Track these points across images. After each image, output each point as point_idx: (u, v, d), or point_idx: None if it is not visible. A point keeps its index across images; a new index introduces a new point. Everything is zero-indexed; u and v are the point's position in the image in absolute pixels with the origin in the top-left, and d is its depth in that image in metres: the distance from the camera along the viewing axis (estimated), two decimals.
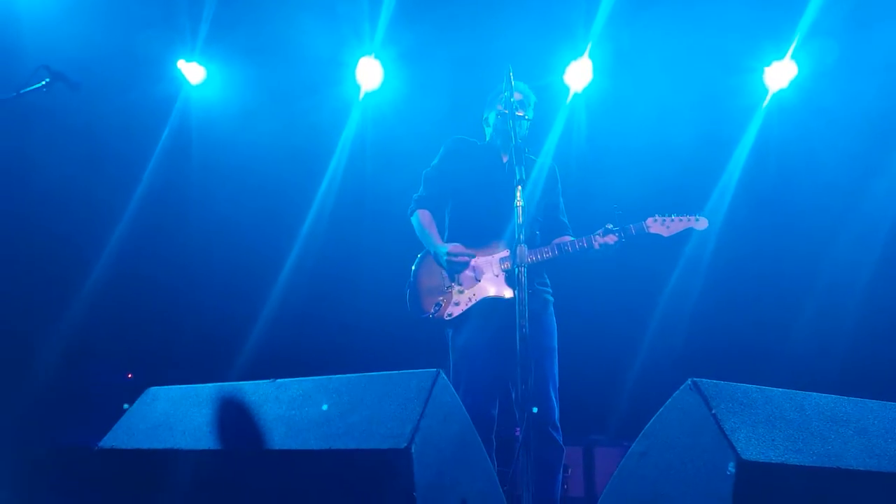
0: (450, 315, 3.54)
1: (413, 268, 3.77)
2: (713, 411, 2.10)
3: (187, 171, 6.76)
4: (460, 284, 3.58)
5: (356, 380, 2.35)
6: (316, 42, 6.41)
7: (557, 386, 3.57)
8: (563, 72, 6.50)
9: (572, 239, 3.63)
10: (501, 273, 3.58)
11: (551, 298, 3.74)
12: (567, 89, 6.61)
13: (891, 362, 5.70)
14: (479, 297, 3.56)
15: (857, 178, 6.28)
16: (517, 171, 3.14)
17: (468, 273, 3.59)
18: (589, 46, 6.35)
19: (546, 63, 6.52)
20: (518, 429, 2.73)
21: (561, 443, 3.48)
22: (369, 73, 6.55)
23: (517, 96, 3.71)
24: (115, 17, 5.86)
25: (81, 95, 5.64)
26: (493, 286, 3.59)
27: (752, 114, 6.58)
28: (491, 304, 3.58)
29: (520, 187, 3.12)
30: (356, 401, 2.27)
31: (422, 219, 3.81)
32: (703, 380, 2.22)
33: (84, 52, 5.73)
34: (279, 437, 2.24)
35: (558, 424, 3.50)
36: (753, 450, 2.03)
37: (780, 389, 2.30)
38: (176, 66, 6.43)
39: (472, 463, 2.40)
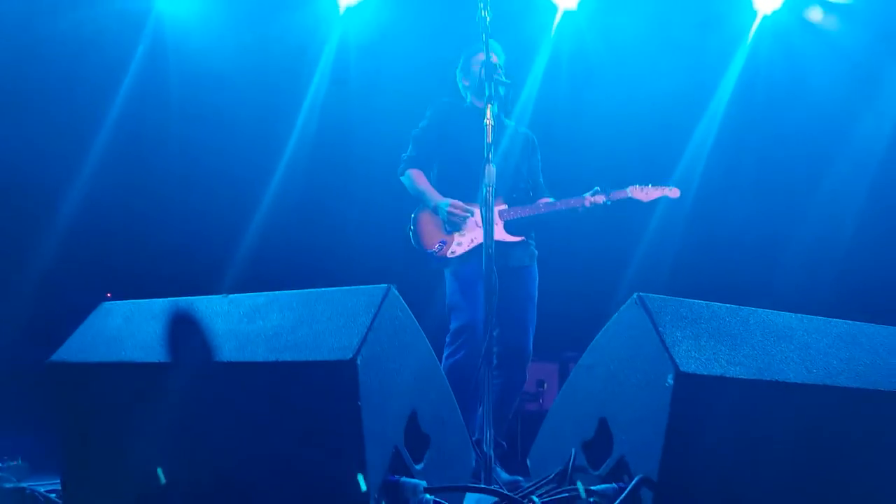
0: (452, 253, 3.82)
1: (413, 215, 3.98)
2: (656, 324, 2.12)
3: (164, 90, 6.57)
4: (461, 231, 3.84)
5: (307, 295, 2.36)
6: None
7: (534, 329, 3.98)
8: None
9: (566, 198, 3.95)
10: (500, 222, 3.86)
11: (536, 252, 4.06)
12: (554, 8, 6.41)
13: (884, 288, 5.71)
14: (479, 241, 3.77)
15: (851, 103, 6.16)
16: (486, 88, 3.26)
17: (469, 220, 3.85)
18: None
19: None
20: None
21: (526, 375, 3.96)
22: None
23: (493, 59, 3.85)
24: None
25: (41, 5, 5.52)
26: (494, 232, 3.73)
27: (743, 33, 6.40)
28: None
29: (489, 106, 3.20)
30: (307, 315, 2.28)
31: (415, 178, 4.02)
32: (649, 294, 2.23)
33: None
34: (228, 351, 2.26)
35: (529, 360, 3.95)
36: (693, 362, 2.05)
37: (727, 305, 2.32)
38: None
39: (423, 375, 2.44)
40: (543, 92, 6.21)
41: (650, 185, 3.89)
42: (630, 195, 3.87)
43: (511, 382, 3.85)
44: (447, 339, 3.74)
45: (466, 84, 4.13)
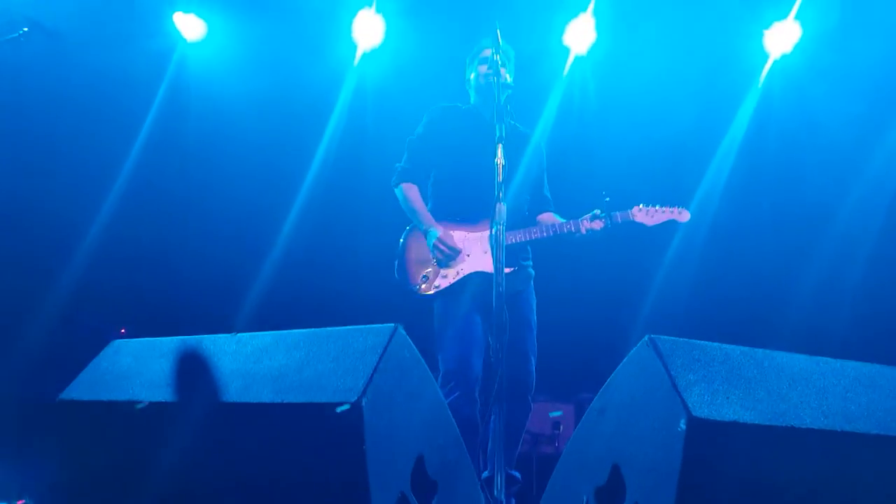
0: (437, 287, 3.59)
1: (402, 239, 3.80)
2: (668, 368, 2.08)
3: (184, 129, 6.67)
4: (448, 265, 3.62)
5: (314, 335, 2.35)
6: None
7: (535, 356, 3.70)
8: (562, 32, 6.34)
9: (561, 221, 3.72)
10: (490, 249, 3.49)
11: (532, 273, 3.82)
12: (566, 51, 6.47)
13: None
14: (466, 272, 3.60)
15: (861, 144, 6.16)
16: (497, 129, 3.16)
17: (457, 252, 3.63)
18: (592, 3, 6.16)
19: (547, 20, 6.36)
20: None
21: (532, 405, 3.65)
22: (369, 28, 6.37)
23: (488, 54, 3.70)
24: None
25: (68, 49, 5.69)
26: (482, 262, 3.61)
27: (755, 75, 6.43)
28: (478, 278, 3.61)
29: (500, 145, 3.14)
30: (313, 355, 2.27)
31: (408, 193, 3.81)
32: (660, 336, 2.20)
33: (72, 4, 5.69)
34: (234, 391, 2.24)
35: (532, 389, 3.66)
36: (706, 407, 2.01)
37: (741, 347, 2.27)
38: (171, 19, 6.28)
39: (430, 418, 2.40)
40: (554, 135, 6.20)
41: (657, 206, 3.65)
42: (633, 218, 3.63)
43: (514, 415, 3.51)
44: (439, 381, 3.46)
45: (470, 85, 3.98)
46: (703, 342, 2.24)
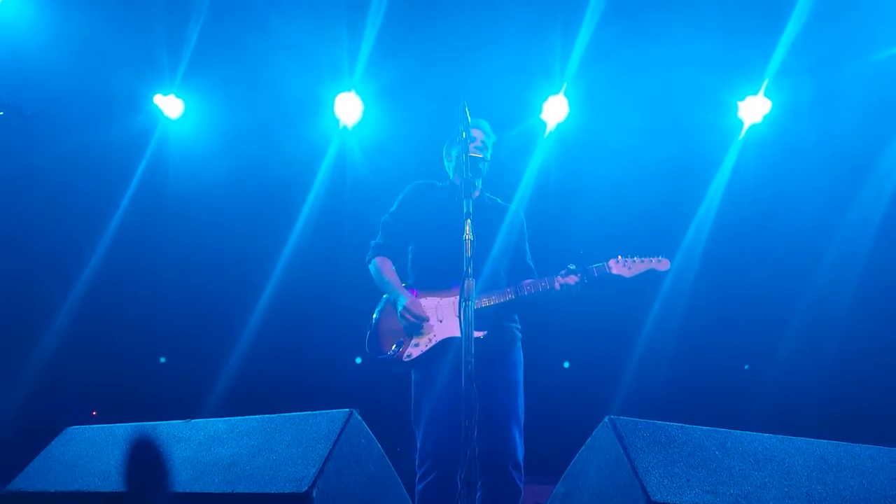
0: (409, 356, 3.43)
1: (375, 313, 3.66)
2: (627, 450, 2.03)
3: (164, 203, 6.71)
4: (419, 333, 3.47)
5: (268, 421, 2.30)
6: (295, 77, 6.39)
7: (522, 422, 3.42)
8: (540, 109, 6.49)
9: (534, 280, 3.59)
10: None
11: (520, 335, 3.65)
12: (544, 125, 6.60)
13: (866, 392, 5.61)
14: (439, 338, 3.46)
15: (829, 211, 6.27)
16: (465, 205, 3.13)
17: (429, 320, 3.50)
18: (565, 85, 6.33)
19: (524, 100, 6.50)
20: None
21: (520, 484, 3.29)
22: (349, 108, 6.52)
23: (477, 134, 3.73)
24: (92, 52, 5.86)
25: (53, 130, 5.78)
26: (455, 326, 3.44)
27: (727, 147, 6.57)
28: (453, 343, 3.45)
29: (469, 220, 3.12)
30: (266, 443, 2.21)
31: (381, 266, 3.72)
32: (621, 417, 2.15)
33: (59, 88, 5.79)
34: (186, 479, 2.17)
35: (520, 463, 3.33)
36: (666, 491, 1.95)
37: (704, 427, 2.23)
38: (153, 101, 6.41)
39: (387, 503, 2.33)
40: (531, 207, 6.26)
41: (635, 258, 3.55)
42: (610, 271, 3.51)
43: (497, 494, 3.19)
44: (416, 461, 3.21)
45: (450, 161, 3.88)
46: (664, 423, 2.20)
